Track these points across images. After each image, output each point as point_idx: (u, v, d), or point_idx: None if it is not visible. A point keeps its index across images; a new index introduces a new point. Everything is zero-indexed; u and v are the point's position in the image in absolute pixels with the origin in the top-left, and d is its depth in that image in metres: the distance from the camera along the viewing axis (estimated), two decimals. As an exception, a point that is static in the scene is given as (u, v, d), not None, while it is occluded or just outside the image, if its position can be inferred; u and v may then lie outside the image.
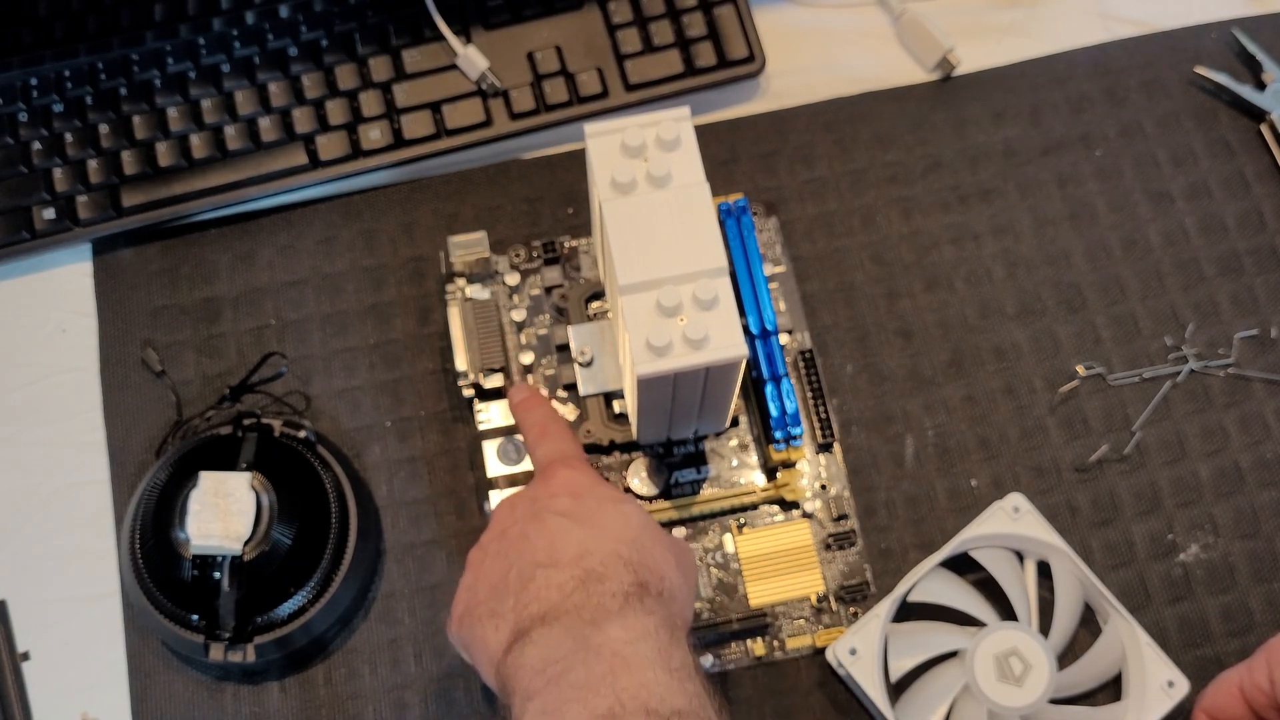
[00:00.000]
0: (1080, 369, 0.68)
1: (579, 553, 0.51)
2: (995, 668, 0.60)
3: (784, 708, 0.62)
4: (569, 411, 0.67)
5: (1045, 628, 0.61)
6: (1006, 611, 0.62)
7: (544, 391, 0.68)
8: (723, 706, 0.49)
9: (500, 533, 0.55)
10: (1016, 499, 0.63)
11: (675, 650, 0.48)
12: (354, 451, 0.67)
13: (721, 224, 0.64)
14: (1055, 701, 0.60)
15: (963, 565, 0.63)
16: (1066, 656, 0.61)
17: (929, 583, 0.62)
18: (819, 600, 0.64)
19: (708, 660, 0.63)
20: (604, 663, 0.47)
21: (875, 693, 0.59)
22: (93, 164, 0.71)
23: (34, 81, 0.72)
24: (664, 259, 0.54)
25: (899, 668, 0.60)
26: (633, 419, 0.62)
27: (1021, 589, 0.62)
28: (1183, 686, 0.59)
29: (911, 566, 0.64)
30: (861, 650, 0.60)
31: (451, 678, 0.63)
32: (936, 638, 0.61)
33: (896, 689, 0.61)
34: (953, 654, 0.61)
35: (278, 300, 0.70)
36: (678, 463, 0.66)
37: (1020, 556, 0.64)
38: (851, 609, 0.64)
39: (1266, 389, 0.68)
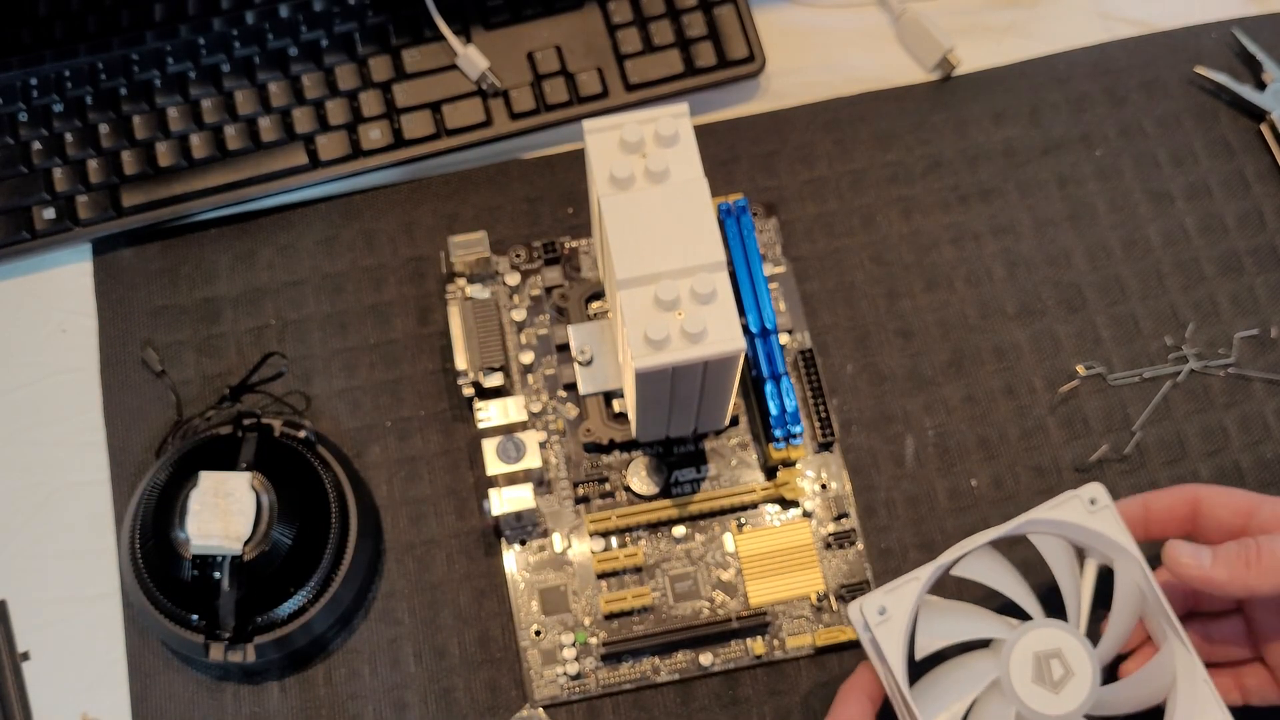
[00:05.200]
0: (1080, 369, 0.68)
1: None
2: (1033, 667, 0.53)
3: (784, 708, 0.62)
4: (569, 411, 0.67)
5: (1092, 637, 0.55)
6: (1052, 609, 0.56)
7: (543, 392, 0.68)
8: None
9: None
10: (1095, 490, 0.56)
11: None
12: (354, 451, 0.67)
13: (721, 224, 0.64)
14: (1089, 719, 0.53)
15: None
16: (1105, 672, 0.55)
17: (976, 560, 0.55)
18: (819, 599, 0.64)
19: (708, 659, 0.63)
20: None
21: (896, 661, 0.53)
22: (93, 164, 0.71)
23: (34, 81, 0.72)
24: (662, 253, 0.54)
25: (926, 645, 0.54)
26: (632, 417, 0.62)
27: (1076, 587, 0.55)
28: None
29: (912, 566, 0.62)
30: (893, 612, 0.54)
31: (451, 677, 0.63)
32: (974, 622, 0.55)
33: (917, 669, 0.55)
34: (986, 643, 0.56)
35: (278, 300, 0.70)
36: (677, 462, 0.66)
37: (1081, 554, 0.57)
38: (852, 608, 0.64)
39: (1266, 389, 0.68)
